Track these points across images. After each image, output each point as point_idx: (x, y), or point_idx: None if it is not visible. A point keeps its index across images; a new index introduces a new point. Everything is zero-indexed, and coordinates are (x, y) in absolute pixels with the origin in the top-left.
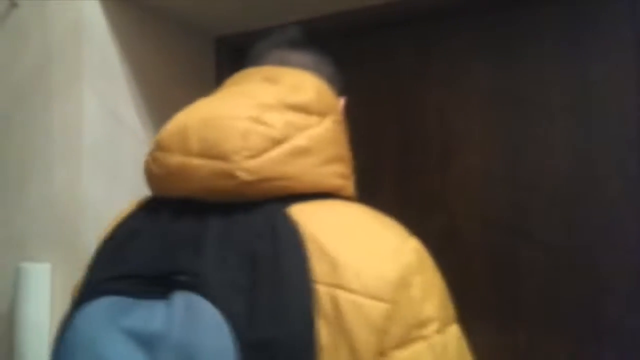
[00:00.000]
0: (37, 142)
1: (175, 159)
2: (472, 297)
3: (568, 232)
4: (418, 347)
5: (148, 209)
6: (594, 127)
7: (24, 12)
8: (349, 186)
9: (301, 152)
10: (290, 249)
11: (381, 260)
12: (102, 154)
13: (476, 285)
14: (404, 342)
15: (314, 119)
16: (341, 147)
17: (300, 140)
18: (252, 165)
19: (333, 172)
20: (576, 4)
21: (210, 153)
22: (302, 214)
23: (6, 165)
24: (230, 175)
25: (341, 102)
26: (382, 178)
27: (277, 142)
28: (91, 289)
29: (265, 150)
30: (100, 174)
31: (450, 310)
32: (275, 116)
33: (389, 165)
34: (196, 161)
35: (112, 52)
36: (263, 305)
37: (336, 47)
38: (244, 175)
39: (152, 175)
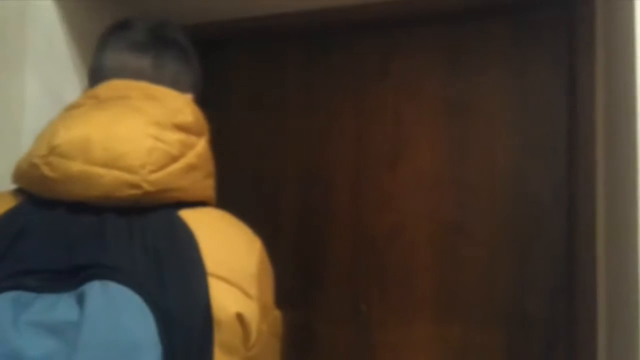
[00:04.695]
0: None
1: (77, 166)
2: (414, 289)
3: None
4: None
5: (33, 207)
6: (530, 130)
7: None
8: (214, 196)
9: (192, 168)
10: (188, 245)
11: (243, 257)
12: None
13: (418, 279)
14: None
15: (194, 139)
16: (212, 163)
17: (191, 158)
18: (155, 178)
19: (209, 185)
20: (518, 15)
21: (115, 164)
22: (189, 218)
23: None
24: (137, 186)
25: (189, 96)
26: (339, 175)
27: (174, 159)
28: None
29: (165, 165)
30: None
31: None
32: (170, 135)
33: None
34: (99, 170)
35: (60, 35)
36: (170, 289)
37: (299, 45)
38: (147, 187)
39: (44, 178)
